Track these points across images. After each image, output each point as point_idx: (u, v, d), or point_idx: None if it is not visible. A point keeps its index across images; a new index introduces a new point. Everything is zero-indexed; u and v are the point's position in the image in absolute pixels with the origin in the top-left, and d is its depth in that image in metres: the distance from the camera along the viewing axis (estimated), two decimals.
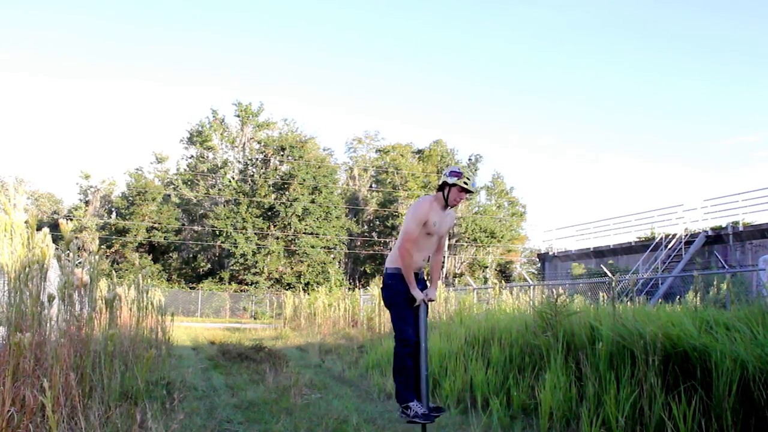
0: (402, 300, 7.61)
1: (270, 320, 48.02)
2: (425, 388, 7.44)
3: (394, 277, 7.69)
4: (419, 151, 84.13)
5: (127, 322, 13.01)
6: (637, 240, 38.79)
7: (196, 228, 70.77)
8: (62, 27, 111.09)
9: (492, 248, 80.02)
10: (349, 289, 40.78)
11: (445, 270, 75.85)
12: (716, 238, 32.35)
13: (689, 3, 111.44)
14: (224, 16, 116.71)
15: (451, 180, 7.57)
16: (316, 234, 68.40)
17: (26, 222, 7.56)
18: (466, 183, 7.55)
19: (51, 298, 7.26)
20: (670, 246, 33.80)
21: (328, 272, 65.26)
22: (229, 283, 66.33)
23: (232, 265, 66.10)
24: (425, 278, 8.12)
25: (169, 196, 73.96)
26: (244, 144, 74.86)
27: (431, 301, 7.77)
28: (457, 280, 72.97)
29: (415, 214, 7.54)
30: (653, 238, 36.30)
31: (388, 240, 76.94)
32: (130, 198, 71.59)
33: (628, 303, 12.03)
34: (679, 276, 25.90)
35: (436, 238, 7.90)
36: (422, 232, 7.59)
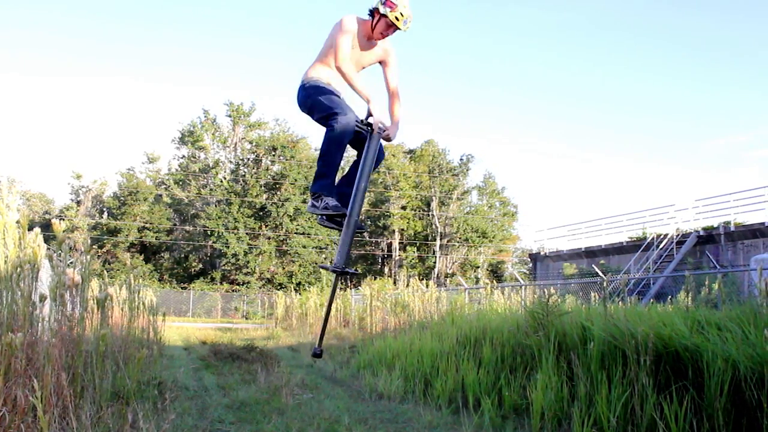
0: (325, 89, 6.87)
1: (261, 320, 48.09)
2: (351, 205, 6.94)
3: (310, 84, 6.96)
4: (411, 151, 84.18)
5: (119, 322, 12.99)
6: (629, 240, 38.90)
7: (187, 228, 70.78)
8: (54, 26, 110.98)
9: (483, 248, 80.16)
10: (340, 289, 40.80)
11: (437, 270, 75.95)
12: (708, 238, 32.46)
13: (681, 3, 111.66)
14: (216, 15, 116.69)
15: (383, 9, 6.52)
16: (308, 234, 68.49)
17: (18, 222, 7.55)
18: (397, 18, 6.51)
19: (43, 298, 7.25)
20: (661, 246, 33.92)
21: (320, 272, 65.28)
22: (221, 283, 66.36)
23: (224, 265, 66.15)
24: None
25: (160, 196, 73.95)
26: (235, 144, 74.93)
27: (387, 136, 6.94)
28: (448, 280, 73.05)
29: (343, 27, 6.60)
30: (645, 238, 36.41)
31: (379, 240, 77.03)
32: (122, 198, 71.61)
33: (620, 303, 12.06)
34: (671, 276, 26.02)
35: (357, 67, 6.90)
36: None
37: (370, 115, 6.80)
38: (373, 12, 6.63)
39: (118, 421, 7.08)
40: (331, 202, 6.68)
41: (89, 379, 7.76)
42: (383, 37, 6.71)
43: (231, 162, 75.11)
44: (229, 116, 74.49)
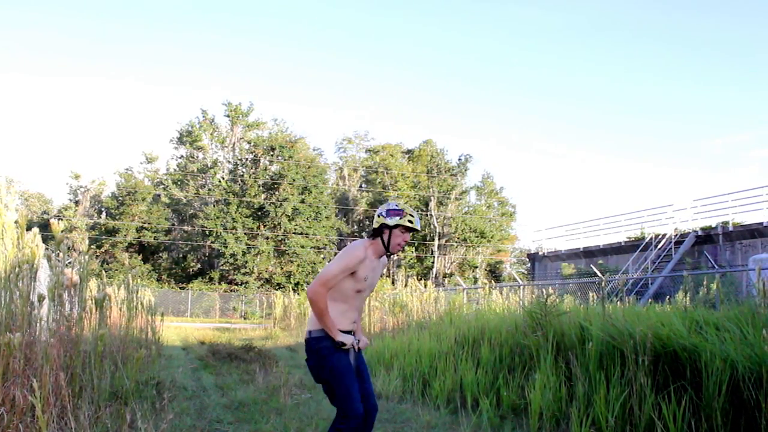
0: (338, 365, 5.99)
1: (260, 320, 48.03)
2: None
3: (322, 340, 6.06)
4: (409, 151, 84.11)
5: (117, 322, 13.00)
6: (627, 240, 38.85)
7: (185, 228, 70.68)
8: (52, 26, 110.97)
9: (482, 248, 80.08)
10: None
11: (435, 270, 75.90)
12: (706, 238, 32.43)
13: (680, 3, 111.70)
14: (214, 16, 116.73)
15: (391, 221, 6.09)
16: (306, 234, 68.37)
17: (16, 222, 7.55)
18: (410, 221, 6.10)
19: (41, 298, 7.25)
20: (659, 246, 33.87)
21: (318, 272, 65.22)
22: (219, 283, 66.26)
23: (222, 265, 66.03)
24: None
25: (159, 196, 73.86)
26: (233, 144, 74.81)
27: (364, 347, 6.37)
28: (447, 280, 73.03)
29: (345, 258, 6.02)
30: (643, 238, 36.36)
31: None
32: (120, 198, 71.45)
33: (618, 303, 12.05)
34: (669, 276, 25.97)
35: (368, 295, 6.41)
36: (351, 288, 6.05)
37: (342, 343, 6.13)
38: (380, 230, 6.18)
39: (116, 421, 7.08)
40: None
41: (87, 379, 7.77)
42: (401, 248, 6.30)
43: (229, 162, 74.99)
44: (228, 116, 74.38)
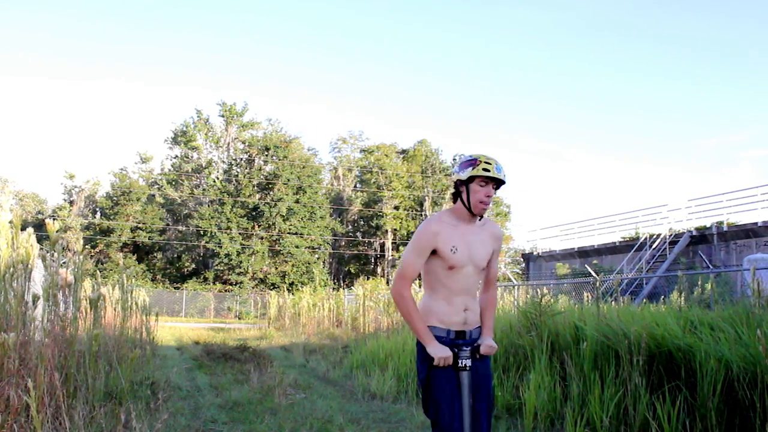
0: (434, 372, 5.00)
1: (254, 320, 48.11)
2: None
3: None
4: (404, 151, 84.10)
5: (112, 322, 12.99)
6: (622, 240, 38.93)
7: (180, 228, 70.69)
8: (45, 26, 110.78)
9: None
10: (333, 289, 40.83)
11: None
12: (701, 238, 32.50)
13: (673, 3, 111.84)
14: (208, 15, 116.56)
15: (464, 174, 5.02)
16: (301, 234, 68.39)
17: (11, 222, 7.54)
18: (486, 169, 4.95)
19: (36, 298, 7.24)
20: (654, 246, 33.96)
21: (313, 272, 65.33)
22: (214, 283, 66.26)
23: (217, 265, 66.04)
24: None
25: (153, 196, 73.83)
26: (228, 144, 74.84)
27: (486, 354, 5.20)
28: None
29: (415, 238, 5.14)
30: (638, 238, 36.44)
31: (372, 240, 77.00)
32: (115, 198, 71.47)
33: (613, 303, 12.09)
34: (664, 276, 26.00)
35: (474, 269, 5.19)
36: (441, 267, 5.09)
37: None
38: (457, 188, 5.19)
39: (110, 421, 7.08)
40: None
41: (82, 379, 7.76)
42: (486, 203, 5.07)
43: (224, 162, 75.01)
44: (222, 116, 74.42)
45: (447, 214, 5.20)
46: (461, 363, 4.94)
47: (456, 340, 5.06)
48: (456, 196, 5.17)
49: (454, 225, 5.12)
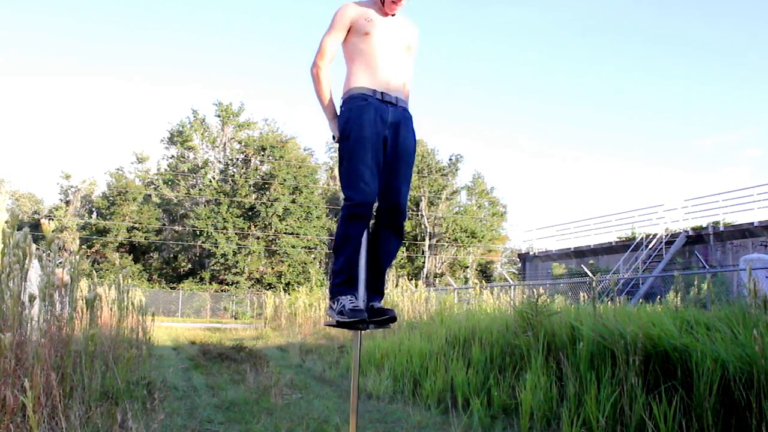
0: (352, 136, 5.08)
1: (250, 320, 48.05)
2: (369, 278, 5.46)
3: (345, 104, 5.29)
4: None
5: (108, 322, 12.98)
6: (618, 240, 39.00)
7: (176, 228, 70.71)
8: (41, 26, 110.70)
9: (472, 248, 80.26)
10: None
11: (425, 270, 76.01)
12: (697, 238, 32.56)
13: (669, 3, 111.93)
14: (205, 15, 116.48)
15: None
16: (297, 234, 68.45)
17: (7, 222, 7.53)
18: None
19: (32, 298, 7.24)
20: (650, 246, 34.01)
21: (309, 272, 65.34)
22: (210, 283, 66.31)
23: (213, 265, 66.10)
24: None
25: (149, 196, 73.87)
26: (224, 144, 74.90)
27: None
28: (437, 280, 73.18)
29: (332, 19, 5.26)
30: (634, 238, 36.52)
31: None
32: (111, 198, 71.49)
33: (609, 303, 12.08)
34: (660, 276, 26.08)
35: (392, 41, 5.29)
36: (358, 35, 5.20)
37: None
38: None
39: (107, 421, 7.07)
40: (349, 304, 5.12)
41: (78, 379, 7.76)
42: (397, 3, 5.14)
43: (220, 162, 75.08)
44: (218, 116, 74.45)
45: (361, 3, 5.30)
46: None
47: (383, 102, 5.16)
48: None
49: (369, 6, 5.26)
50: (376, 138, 5.05)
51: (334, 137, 5.23)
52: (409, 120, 5.40)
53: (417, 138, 5.49)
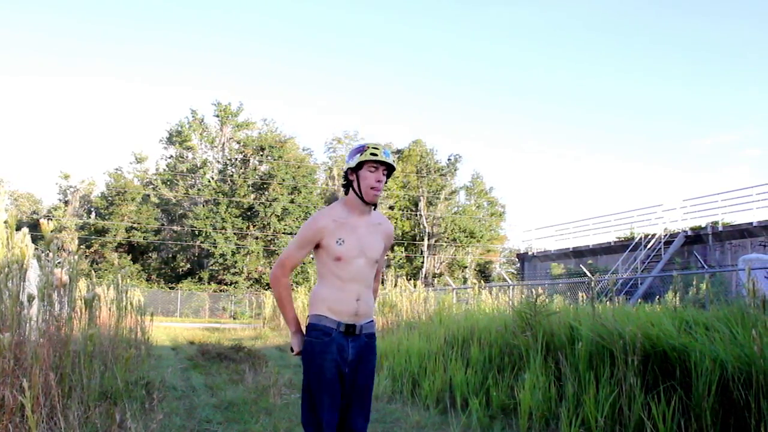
0: (311, 373, 5.04)
1: (249, 320, 48.05)
2: None
3: (310, 333, 5.13)
4: (398, 151, 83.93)
5: (107, 322, 12.99)
6: (617, 240, 38.95)
7: (175, 228, 70.62)
8: (40, 26, 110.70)
9: (471, 248, 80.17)
10: None
11: (424, 270, 75.95)
12: (696, 238, 32.52)
13: (668, 3, 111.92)
14: (204, 15, 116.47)
15: (353, 161, 5.10)
16: (295, 234, 68.35)
17: (6, 222, 7.53)
18: (374, 153, 5.03)
19: (31, 298, 7.24)
20: (649, 246, 33.95)
21: (308, 272, 65.27)
22: (209, 283, 66.22)
23: (212, 265, 65.99)
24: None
25: (148, 196, 73.78)
26: (223, 144, 74.80)
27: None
28: (436, 280, 73.13)
29: (301, 230, 5.22)
30: (632, 238, 36.46)
31: None
32: (110, 198, 71.43)
33: (608, 303, 12.07)
34: (659, 276, 26.03)
35: (366, 261, 5.20)
36: (329, 259, 5.11)
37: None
38: (347, 178, 5.24)
39: (105, 421, 7.08)
40: None
41: (77, 379, 7.76)
42: (378, 189, 5.10)
43: (219, 162, 74.97)
44: (217, 116, 74.35)
45: (339, 207, 5.24)
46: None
47: (345, 335, 5.07)
48: (347, 186, 5.21)
49: (343, 219, 5.16)
50: (333, 378, 5.01)
51: (292, 350, 5.24)
52: (372, 342, 5.33)
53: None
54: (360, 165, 5.04)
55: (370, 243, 5.20)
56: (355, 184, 5.12)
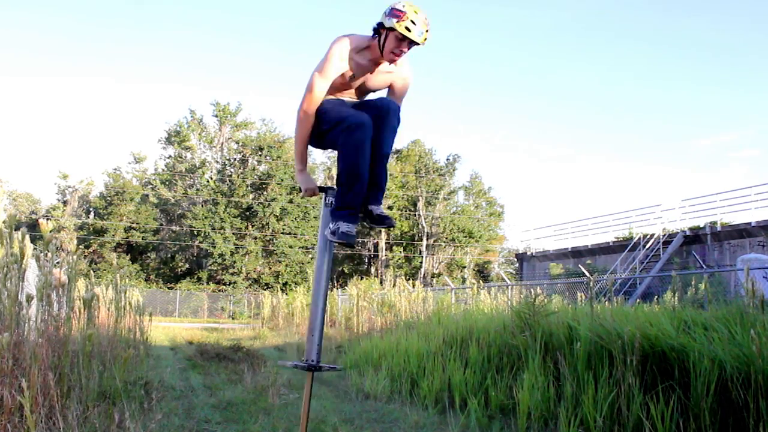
0: (331, 108, 5.45)
1: (248, 320, 48.00)
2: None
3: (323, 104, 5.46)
4: (397, 151, 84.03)
5: (105, 322, 12.98)
6: (615, 240, 39.00)
7: (174, 228, 70.68)
8: (39, 25, 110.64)
9: (470, 248, 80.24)
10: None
11: (423, 270, 75.96)
12: (694, 238, 32.55)
13: (667, 4, 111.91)
14: (202, 15, 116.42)
15: (388, 22, 5.15)
16: (294, 234, 68.45)
17: (4, 222, 7.53)
18: (408, 29, 5.08)
19: (29, 298, 7.23)
20: (648, 246, 34.01)
21: (306, 272, 65.31)
22: (207, 283, 66.30)
23: (210, 265, 66.07)
24: None
25: (147, 196, 73.88)
26: (222, 144, 74.91)
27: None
28: (435, 280, 73.19)
29: (333, 51, 5.28)
30: (631, 238, 36.52)
31: (366, 240, 76.96)
32: (108, 198, 71.54)
33: (606, 303, 12.09)
34: (657, 276, 26.06)
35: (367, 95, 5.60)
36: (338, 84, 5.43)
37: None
38: (378, 29, 5.28)
39: (104, 421, 7.07)
40: (345, 227, 5.39)
41: (76, 379, 7.75)
42: (397, 57, 5.32)
43: (217, 162, 75.07)
44: (216, 116, 74.49)
45: (363, 44, 5.44)
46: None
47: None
48: (375, 34, 5.36)
49: (360, 53, 5.41)
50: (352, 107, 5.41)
51: (300, 189, 5.40)
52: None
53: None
54: (392, 28, 5.17)
55: (370, 82, 5.66)
56: (381, 39, 5.29)
